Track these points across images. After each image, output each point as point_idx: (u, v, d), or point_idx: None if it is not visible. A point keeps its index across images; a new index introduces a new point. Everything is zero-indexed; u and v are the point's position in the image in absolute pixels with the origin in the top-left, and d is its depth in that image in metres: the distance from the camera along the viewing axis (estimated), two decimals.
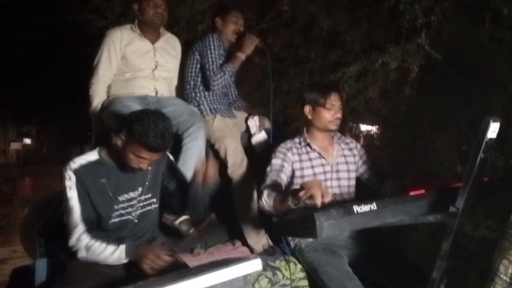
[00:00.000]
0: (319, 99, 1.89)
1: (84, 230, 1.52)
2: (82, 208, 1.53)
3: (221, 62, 2.27)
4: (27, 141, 22.06)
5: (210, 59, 2.23)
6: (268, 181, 1.84)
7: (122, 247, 1.49)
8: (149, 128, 1.48)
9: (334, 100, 1.89)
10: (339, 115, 1.91)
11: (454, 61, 4.11)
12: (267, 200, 1.69)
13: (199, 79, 2.31)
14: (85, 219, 1.53)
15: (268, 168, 1.88)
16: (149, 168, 1.64)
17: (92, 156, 1.61)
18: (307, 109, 1.93)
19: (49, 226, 1.83)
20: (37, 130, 22.00)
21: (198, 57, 2.30)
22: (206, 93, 2.28)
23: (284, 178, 1.85)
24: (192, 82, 2.33)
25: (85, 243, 1.50)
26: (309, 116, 1.93)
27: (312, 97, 1.91)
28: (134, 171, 1.59)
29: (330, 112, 1.89)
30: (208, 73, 2.21)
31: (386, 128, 4.49)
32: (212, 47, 2.25)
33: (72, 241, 1.51)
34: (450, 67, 4.15)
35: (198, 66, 2.31)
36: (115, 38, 2.18)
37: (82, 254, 1.50)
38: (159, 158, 1.62)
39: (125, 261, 1.50)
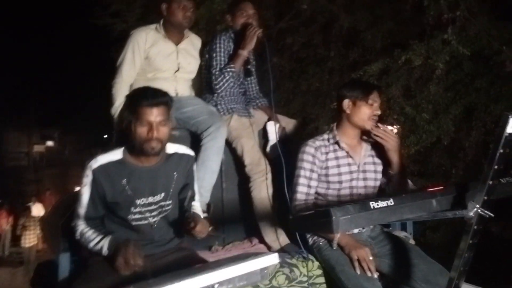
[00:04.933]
0: (361, 94, 1.87)
1: (84, 222, 1.61)
2: (88, 206, 1.60)
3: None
4: (50, 143, 22.72)
5: (214, 62, 2.25)
6: (299, 196, 1.86)
7: (107, 239, 1.53)
8: (139, 90, 1.66)
9: (376, 97, 1.88)
10: (378, 112, 1.89)
11: (481, 57, 4.03)
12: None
13: None
14: (88, 217, 1.61)
15: (297, 172, 1.89)
16: (174, 174, 1.66)
17: (115, 155, 1.62)
18: (346, 103, 1.90)
19: (71, 223, 1.90)
20: (59, 133, 22.64)
21: (208, 60, 2.33)
22: (224, 93, 2.31)
23: (314, 184, 1.88)
24: (209, 84, 2.36)
25: (80, 229, 1.60)
26: (348, 111, 1.89)
27: (354, 91, 1.90)
28: (152, 147, 1.56)
29: (371, 108, 1.87)
30: (212, 77, 2.24)
31: (409, 127, 4.43)
32: (218, 49, 2.26)
33: (72, 225, 1.64)
34: (476, 63, 4.08)
35: None
36: (139, 39, 2.24)
37: (77, 237, 1.61)
38: (164, 120, 1.57)
39: (105, 253, 1.53)
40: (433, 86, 4.15)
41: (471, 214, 1.26)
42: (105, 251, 1.52)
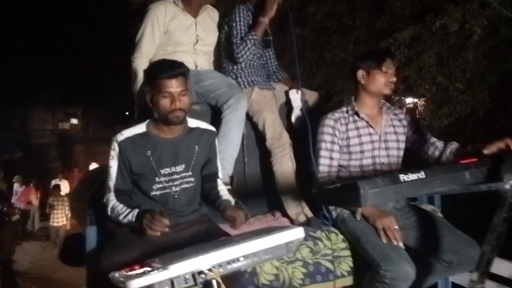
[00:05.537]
0: (374, 63, 1.90)
1: (114, 194, 1.68)
2: (117, 178, 1.68)
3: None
4: (74, 121, 23.38)
5: (234, 32, 2.26)
6: (322, 169, 1.89)
7: (135, 211, 1.59)
8: (156, 63, 1.74)
9: (389, 64, 1.90)
10: (394, 79, 1.91)
11: None
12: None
13: None
14: (118, 189, 1.69)
15: (318, 145, 1.92)
16: (195, 147, 1.73)
17: (139, 128, 1.71)
18: (360, 73, 1.92)
19: (98, 196, 1.97)
20: (83, 111, 23.21)
21: (228, 31, 2.34)
22: (243, 65, 2.31)
23: (336, 156, 1.92)
24: (229, 55, 2.36)
25: (111, 204, 1.67)
26: (362, 81, 1.92)
27: (367, 62, 1.92)
28: (177, 116, 1.64)
29: (386, 76, 1.88)
30: (233, 46, 2.25)
31: (441, 97, 4.28)
32: (237, 19, 2.27)
33: (104, 200, 1.71)
34: None
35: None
36: (159, 13, 2.23)
37: (109, 213, 1.68)
38: (183, 90, 1.64)
39: (134, 224, 1.58)
40: (470, 53, 3.95)
41: (507, 186, 1.23)
42: (133, 219, 1.58)
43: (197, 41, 2.30)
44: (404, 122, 2.01)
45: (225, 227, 1.72)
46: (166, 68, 1.63)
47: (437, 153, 1.90)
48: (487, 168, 1.32)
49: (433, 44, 4.13)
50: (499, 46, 4.01)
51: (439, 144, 1.92)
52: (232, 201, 1.74)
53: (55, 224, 8.77)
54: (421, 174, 1.27)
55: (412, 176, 1.26)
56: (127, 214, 1.61)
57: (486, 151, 1.57)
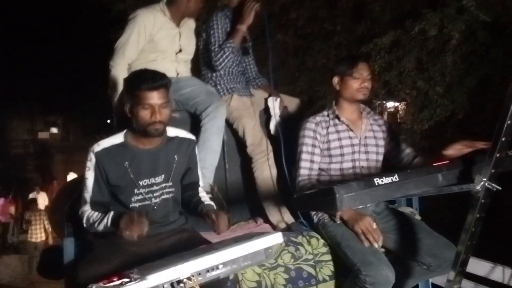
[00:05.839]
0: (347, 69, 1.94)
1: (90, 206, 1.66)
2: (94, 190, 1.65)
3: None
4: (54, 130, 23.00)
5: (212, 40, 2.28)
6: (303, 172, 1.92)
7: (110, 213, 1.58)
8: (137, 73, 1.68)
9: (361, 70, 1.94)
10: (366, 84, 1.95)
11: (496, 26, 3.93)
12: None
13: None
14: (94, 201, 1.66)
15: (299, 149, 1.95)
16: (175, 156, 1.71)
17: (117, 139, 1.68)
18: (335, 80, 1.98)
19: (76, 207, 1.95)
20: (63, 119, 22.88)
21: (206, 38, 2.36)
22: (222, 72, 2.33)
23: (318, 160, 1.95)
24: (207, 63, 2.38)
25: (86, 215, 1.65)
26: (337, 87, 1.98)
27: (340, 68, 1.98)
28: (156, 129, 1.61)
29: (358, 81, 1.93)
30: (211, 54, 2.26)
31: (421, 101, 4.38)
32: (215, 26, 2.29)
33: (80, 213, 1.68)
34: (491, 33, 3.98)
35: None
36: (147, 22, 2.21)
37: (85, 224, 1.66)
38: (165, 102, 1.61)
39: (110, 228, 1.56)
40: (449, 57, 4.06)
41: (478, 187, 1.27)
42: (109, 223, 1.56)
43: (180, 50, 2.32)
44: (383, 128, 2.06)
45: (207, 235, 1.72)
46: (148, 79, 1.58)
47: (409, 160, 1.97)
48: (459, 170, 1.37)
49: (413, 49, 4.22)
50: (476, 50, 4.13)
51: (412, 152, 2.00)
52: (214, 206, 1.74)
53: (33, 240, 8.38)
54: (395, 178, 1.31)
55: (386, 180, 1.30)
56: (102, 219, 1.59)
57: (448, 152, 1.64)
